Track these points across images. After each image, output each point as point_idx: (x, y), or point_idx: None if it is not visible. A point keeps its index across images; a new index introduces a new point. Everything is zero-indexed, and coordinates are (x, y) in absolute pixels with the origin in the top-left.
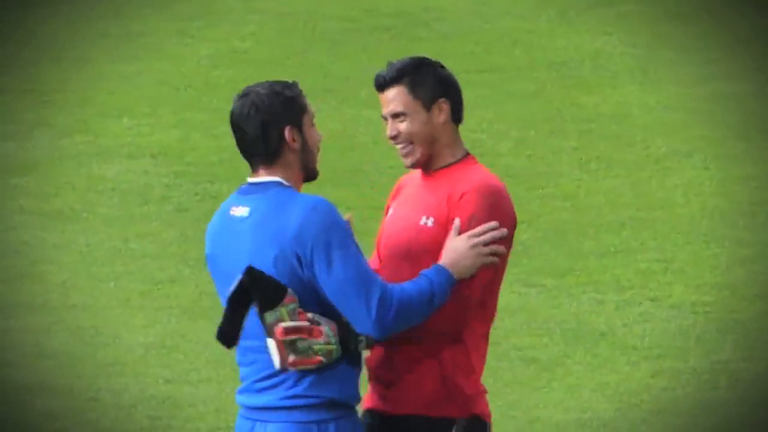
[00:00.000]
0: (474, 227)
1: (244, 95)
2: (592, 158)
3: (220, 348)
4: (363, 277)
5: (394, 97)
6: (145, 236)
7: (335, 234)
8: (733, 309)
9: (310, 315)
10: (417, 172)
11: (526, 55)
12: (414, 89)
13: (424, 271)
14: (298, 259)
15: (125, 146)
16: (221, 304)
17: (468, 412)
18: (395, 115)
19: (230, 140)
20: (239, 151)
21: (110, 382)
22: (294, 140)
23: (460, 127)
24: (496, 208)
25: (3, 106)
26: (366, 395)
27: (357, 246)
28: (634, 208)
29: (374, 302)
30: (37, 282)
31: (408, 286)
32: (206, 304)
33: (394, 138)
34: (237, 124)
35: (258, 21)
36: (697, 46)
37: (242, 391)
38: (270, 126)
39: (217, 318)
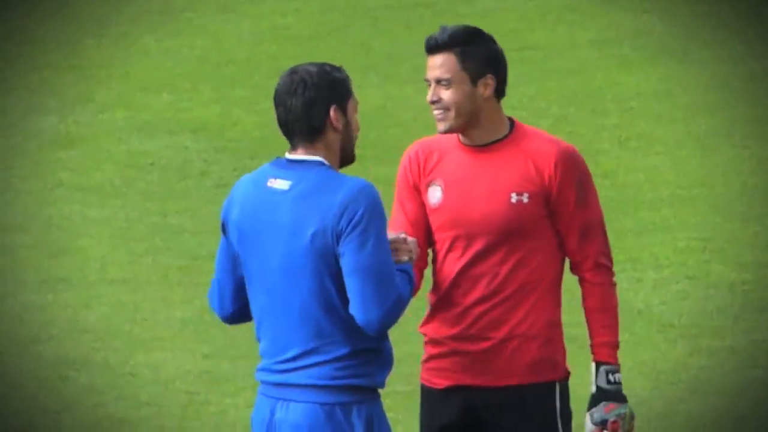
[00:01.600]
0: (581, 192)
1: (293, 72)
2: (632, 136)
3: None
4: (388, 271)
5: (442, 64)
6: (184, 212)
7: (376, 220)
8: None
9: None
10: (445, 144)
11: (567, 33)
12: (463, 60)
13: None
14: (336, 235)
15: (165, 122)
16: (237, 271)
17: (564, 371)
18: (439, 81)
19: (271, 116)
20: (279, 127)
21: (148, 357)
22: (338, 120)
23: (502, 103)
24: (586, 168)
25: (46, 82)
26: (437, 371)
27: (389, 242)
28: (673, 186)
29: (391, 299)
30: (76, 257)
31: (406, 292)
32: None
33: (433, 103)
34: (282, 100)
35: None
36: (737, 25)
37: (263, 368)
38: (316, 103)
39: None
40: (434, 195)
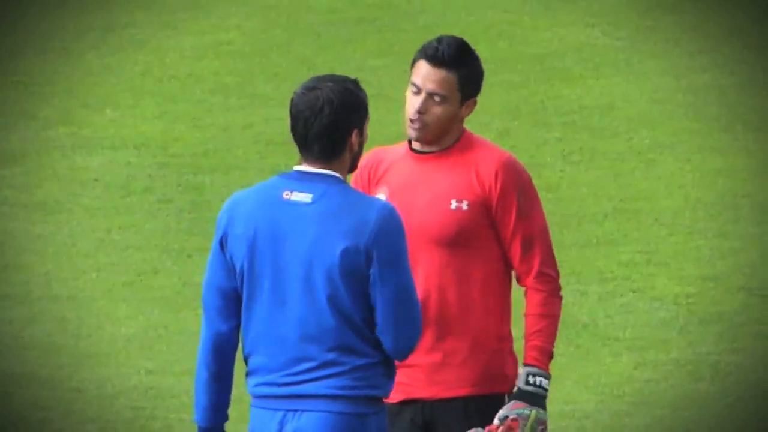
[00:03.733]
0: (522, 202)
1: (313, 88)
2: (575, 150)
3: None
4: (416, 295)
5: (443, 80)
6: (128, 227)
7: (404, 245)
8: (716, 301)
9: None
10: (395, 153)
11: (509, 47)
12: (462, 83)
13: None
14: (368, 256)
15: (108, 138)
16: (238, 283)
17: (512, 383)
18: (433, 95)
19: (214, 131)
20: (293, 136)
21: (93, 372)
22: (356, 144)
23: None
24: (528, 178)
25: None
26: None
27: None
28: (617, 199)
29: (419, 324)
30: (20, 273)
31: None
32: (189, 295)
33: (420, 113)
34: (303, 115)
35: (242, 13)
36: (680, 38)
37: (267, 383)
38: (341, 126)
39: (200, 309)
40: None
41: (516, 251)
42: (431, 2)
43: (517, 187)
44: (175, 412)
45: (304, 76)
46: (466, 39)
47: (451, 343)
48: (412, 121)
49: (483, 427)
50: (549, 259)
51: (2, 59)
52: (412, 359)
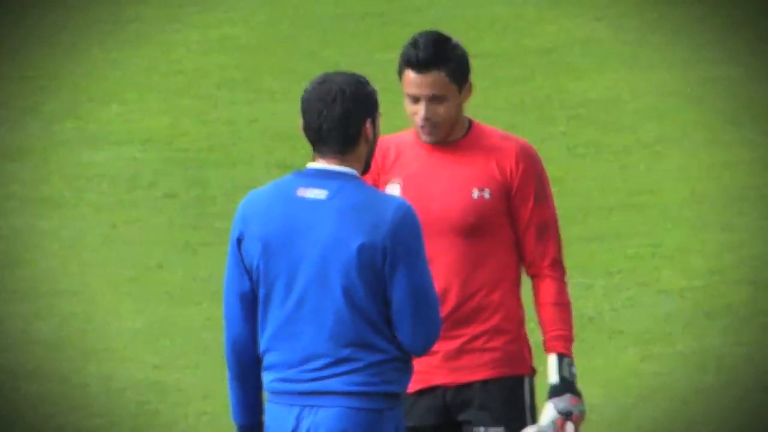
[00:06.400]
0: (539, 188)
1: (324, 81)
2: (580, 144)
3: (208, 334)
4: (434, 291)
5: (435, 82)
6: (134, 222)
7: (420, 244)
8: (722, 294)
9: None
10: (402, 141)
11: (515, 41)
12: (452, 74)
13: None
14: (384, 252)
15: (114, 133)
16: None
17: (532, 368)
18: (433, 98)
19: (220, 126)
20: (305, 133)
21: (99, 367)
22: (370, 133)
23: None
24: (543, 164)
25: None
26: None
27: None
28: (623, 193)
29: (437, 321)
30: (26, 268)
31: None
32: (194, 290)
33: (429, 119)
34: (315, 107)
35: (248, 7)
36: (687, 31)
37: (284, 379)
38: (353, 115)
39: (205, 304)
40: (393, 192)
41: (531, 237)
42: None
43: (535, 173)
44: (180, 407)
45: (310, 70)
46: (471, 34)
47: (471, 330)
48: (422, 127)
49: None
50: (561, 247)
51: (8, 54)
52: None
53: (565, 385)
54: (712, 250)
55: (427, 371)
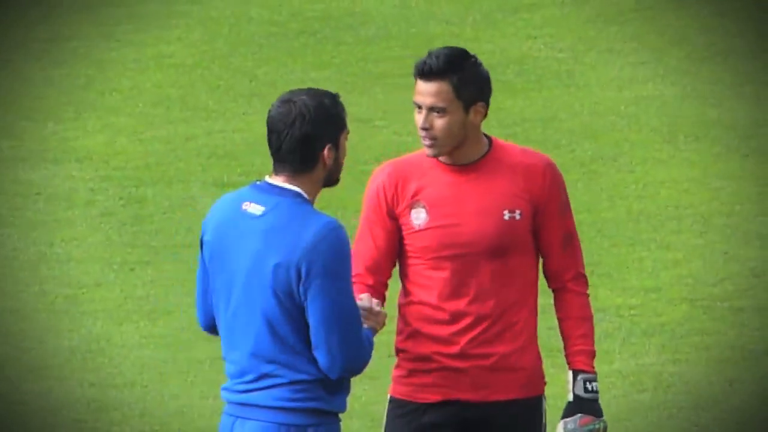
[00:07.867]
0: (563, 201)
1: (288, 101)
2: None
3: (145, 352)
4: (354, 317)
5: (438, 92)
6: (70, 240)
7: (344, 264)
8: (659, 312)
9: None
10: (420, 165)
11: None
12: (459, 89)
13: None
14: (299, 272)
15: (50, 151)
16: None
17: (545, 382)
18: (433, 109)
19: (156, 144)
20: (269, 149)
21: (36, 385)
22: (329, 158)
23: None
24: (563, 177)
25: None
26: (423, 387)
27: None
28: None
29: (354, 347)
30: None
31: (370, 341)
32: (131, 308)
33: (426, 130)
34: (277, 127)
35: (183, 25)
36: (621, 50)
37: (226, 388)
38: (311, 141)
39: (142, 322)
40: (418, 217)
41: (557, 249)
42: (372, 15)
43: (560, 187)
44: (117, 425)
45: (246, 88)
46: (407, 52)
47: (501, 349)
48: (422, 137)
49: None
50: (583, 258)
51: None
52: (458, 363)
53: (577, 404)
54: (648, 269)
55: (450, 385)
